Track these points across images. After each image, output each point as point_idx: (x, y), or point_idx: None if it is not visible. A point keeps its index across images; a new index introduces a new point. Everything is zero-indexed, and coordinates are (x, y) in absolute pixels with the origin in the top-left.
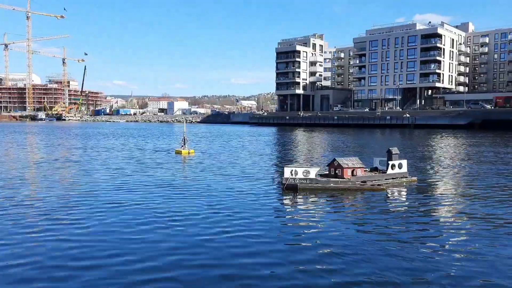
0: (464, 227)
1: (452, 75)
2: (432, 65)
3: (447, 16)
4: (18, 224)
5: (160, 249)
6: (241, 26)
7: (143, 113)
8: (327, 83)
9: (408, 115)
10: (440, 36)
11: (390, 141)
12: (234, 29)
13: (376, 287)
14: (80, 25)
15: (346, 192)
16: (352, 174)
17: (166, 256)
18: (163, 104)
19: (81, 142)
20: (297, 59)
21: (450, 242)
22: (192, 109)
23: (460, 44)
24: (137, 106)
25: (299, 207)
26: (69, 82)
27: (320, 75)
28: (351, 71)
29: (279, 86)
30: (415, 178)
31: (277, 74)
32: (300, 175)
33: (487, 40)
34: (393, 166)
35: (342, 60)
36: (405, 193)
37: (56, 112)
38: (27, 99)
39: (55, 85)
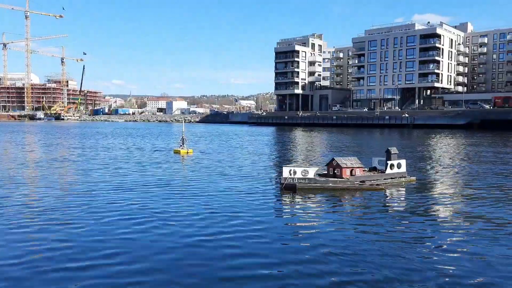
0: (462, 227)
1: (451, 75)
2: (431, 65)
3: (446, 16)
4: (14, 223)
5: (158, 249)
6: (240, 26)
7: (141, 112)
8: (326, 83)
9: (407, 115)
10: (439, 36)
11: (389, 141)
12: (233, 29)
13: (376, 286)
14: (79, 24)
15: (344, 192)
16: (351, 174)
17: (164, 256)
18: (162, 104)
19: (80, 142)
20: (296, 59)
21: (448, 242)
22: (191, 109)
23: (459, 44)
24: (136, 106)
25: (297, 206)
26: (67, 81)
27: (319, 75)
28: (350, 71)
29: (278, 86)
30: (413, 178)
31: (276, 74)
32: (299, 174)
33: (486, 40)
34: (391, 166)
35: (341, 60)
36: (403, 193)
37: (54, 112)
38: (25, 99)
39: (53, 85)
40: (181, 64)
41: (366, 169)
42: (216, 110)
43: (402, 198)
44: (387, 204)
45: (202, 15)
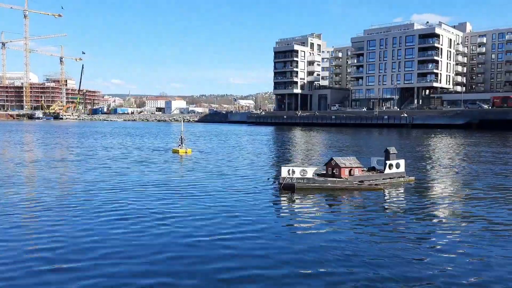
0: (461, 226)
1: (449, 75)
2: (430, 65)
3: (445, 16)
4: (12, 223)
5: (155, 248)
6: (240, 26)
7: (140, 112)
8: (325, 82)
9: (405, 115)
10: (437, 36)
11: (387, 140)
12: (232, 28)
13: (374, 286)
14: (78, 24)
15: (343, 191)
16: (350, 174)
17: (161, 256)
18: (161, 103)
19: (78, 141)
20: (295, 59)
21: (447, 242)
22: (190, 108)
23: (458, 44)
24: (135, 105)
25: (296, 206)
26: (66, 81)
27: (318, 75)
28: (349, 70)
29: (277, 85)
30: (412, 177)
31: (275, 73)
32: (297, 174)
33: (484, 40)
34: (390, 165)
35: (340, 60)
36: (402, 193)
37: (53, 111)
38: (24, 98)
39: (52, 84)
40: (180, 63)
41: (364, 169)
42: (215, 109)
43: (400, 198)
44: (386, 204)
45: (202, 15)
